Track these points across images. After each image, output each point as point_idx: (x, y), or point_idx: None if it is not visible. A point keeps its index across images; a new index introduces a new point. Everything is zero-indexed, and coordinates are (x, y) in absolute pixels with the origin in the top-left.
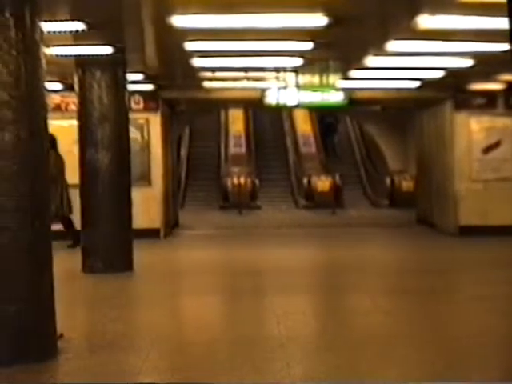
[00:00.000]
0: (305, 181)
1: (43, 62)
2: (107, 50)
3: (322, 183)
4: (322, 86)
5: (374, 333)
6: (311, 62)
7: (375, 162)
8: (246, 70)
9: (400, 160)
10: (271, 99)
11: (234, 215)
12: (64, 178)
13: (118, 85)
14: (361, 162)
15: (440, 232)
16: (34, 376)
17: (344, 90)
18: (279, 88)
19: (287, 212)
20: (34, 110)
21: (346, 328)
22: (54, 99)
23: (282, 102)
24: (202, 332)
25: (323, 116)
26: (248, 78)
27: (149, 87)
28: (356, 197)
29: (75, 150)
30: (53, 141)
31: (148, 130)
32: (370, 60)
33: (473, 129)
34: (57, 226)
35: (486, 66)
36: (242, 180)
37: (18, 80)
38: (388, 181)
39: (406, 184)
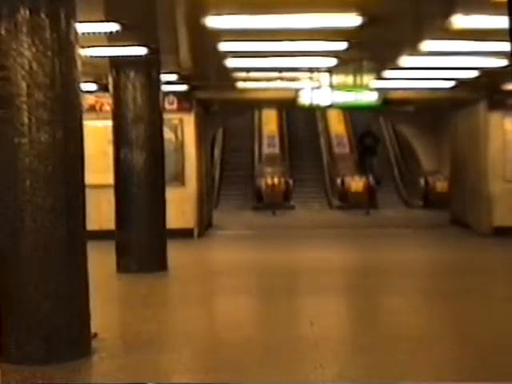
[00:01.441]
0: (338, 181)
1: (78, 62)
2: (141, 50)
3: (356, 184)
4: (356, 86)
5: (407, 334)
6: (345, 62)
7: (409, 162)
8: (279, 70)
9: (434, 160)
10: (305, 99)
11: (268, 215)
12: None
13: (152, 85)
14: (395, 163)
15: (474, 233)
16: (68, 375)
17: (378, 90)
18: (313, 88)
19: (321, 212)
20: (69, 111)
21: (380, 329)
22: (88, 100)
23: (315, 102)
24: (235, 332)
25: (362, 137)
26: (282, 79)
27: (183, 88)
28: (390, 197)
29: (109, 150)
30: None
31: (182, 130)
32: (404, 60)
33: (507, 129)
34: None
35: None
36: (276, 180)
37: (54, 81)
38: (422, 181)
39: (440, 185)
